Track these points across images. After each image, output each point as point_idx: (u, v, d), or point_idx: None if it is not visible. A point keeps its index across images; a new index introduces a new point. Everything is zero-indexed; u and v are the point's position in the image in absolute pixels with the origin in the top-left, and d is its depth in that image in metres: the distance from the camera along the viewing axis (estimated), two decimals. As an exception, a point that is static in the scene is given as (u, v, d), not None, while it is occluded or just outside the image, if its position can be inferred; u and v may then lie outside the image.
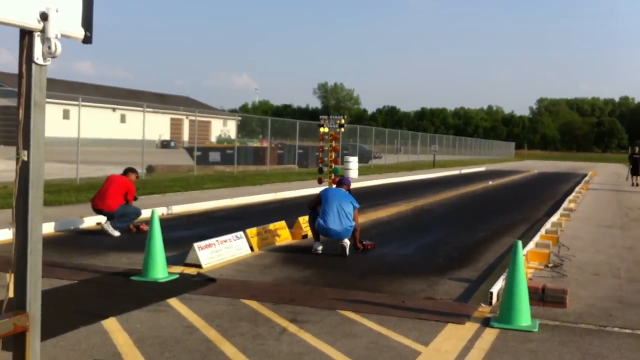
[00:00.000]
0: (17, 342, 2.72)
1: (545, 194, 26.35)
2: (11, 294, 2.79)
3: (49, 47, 2.85)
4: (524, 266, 6.94)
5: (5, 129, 21.10)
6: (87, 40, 3.10)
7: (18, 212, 2.76)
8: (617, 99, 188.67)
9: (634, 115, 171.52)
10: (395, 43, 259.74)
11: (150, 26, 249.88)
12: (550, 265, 9.69)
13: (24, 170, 2.78)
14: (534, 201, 22.76)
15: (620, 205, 20.81)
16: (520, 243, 6.75)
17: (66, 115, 50.57)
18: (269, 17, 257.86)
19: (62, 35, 2.92)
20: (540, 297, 7.33)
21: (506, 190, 28.81)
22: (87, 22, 3.07)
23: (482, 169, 52.99)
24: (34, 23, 2.79)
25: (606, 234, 13.70)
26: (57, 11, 2.85)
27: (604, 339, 6.24)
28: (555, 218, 15.24)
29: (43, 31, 2.84)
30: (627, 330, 6.54)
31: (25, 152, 2.78)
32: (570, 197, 22.31)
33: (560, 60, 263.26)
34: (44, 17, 2.80)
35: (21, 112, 2.83)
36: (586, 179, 36.84)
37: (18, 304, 2.69)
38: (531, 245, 10.70)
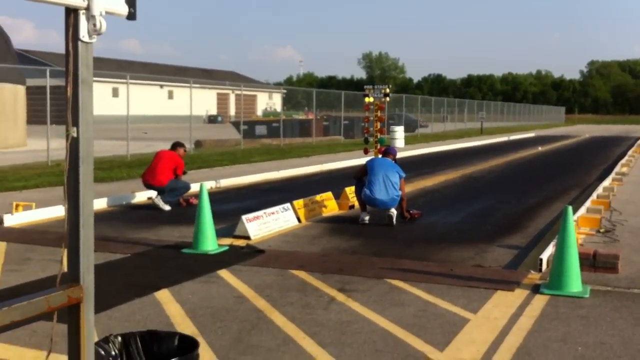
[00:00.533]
0: (71, 314, 2.80)
1: (597, 159, 25.82)
2: (65, 269, 2.88)
3: (94, 25, 2.89)
4: (575, 232, 6.85)
5: (56, 108, 21.52)
6: (131, 16, 3.14)
7: (69, 188, 2.83)
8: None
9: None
10: (439, 9, 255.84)
11: (193, 1, 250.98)
12: (602, 230, 9.53)
13: (73, 146, 2.84)
14: (585, 166, 22.34)
15: (675, 169, 20.27)
16: (570, 208, 6.66)
17: (115, 93, 51.42)
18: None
19: (107, 13, 2.97)
20: (591, 262, 7.23)
21: (556, 156, 28.31)
22: (131, -2, 3.10)
23: (531, 135, 52.08)
24: (78, 1, 2.83)
25: (660, 198, 13.38)
26: (100, -11, 2.89)
27: (658, 304, 6.14)
28: (607, 182, 14.95)
29: (88, 9, 2.87)
30: (682, 295, 6.41)
31: (75, 129, 2.84)
32: (623, 161, 21.82)
33: (611, 21, 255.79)
34: (87, -6, 2.84)
35: (69, 89, 2.89)
36: (639, 142, 35.92)
37: (72, 277, 2.77)
38: (582, 210, 10.54)
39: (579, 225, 9.52)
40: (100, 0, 2.87)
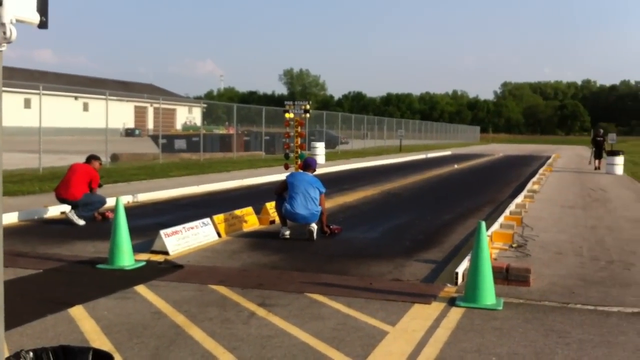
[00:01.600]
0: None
1: (509, 177, 26.70)
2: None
3: (4, 33, 2.81)
4: (488, 246, 7.06)
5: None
6: (42, 25, 3.07)
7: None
8: (579, 82, 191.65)
9: (596, 98, 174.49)
10: (359, 29, 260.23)
11: (111, 12, 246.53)
12: (514, 245, 9.84)
13: (-18, 156, 2.74)
14: (498, 184, 23.06)
15: (583, 187, 21.19)
16: (483, 224, 6.85)
17: (27, 104, 49.82)
18: (232, 2, 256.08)
19: (17, 20, 2.89)
20: (504, 276, 7.45)
21: (471, 174, 29.12)
22: (43, 6, 3.03)
23: (448, 152, 53.45)
24: (-12, 8, 2.75)
25: (569, 214, 13.95)
26: (12, -5, 2.81)
27: (567, 315, 6.38)
28: (519, 199, 15.47)
29: (-2, 16, 2.79)
30: (589, 307, 6.68)
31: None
32: (534, 179, 22.65)
33: (524, 45, 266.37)
34: (-2, 1, 2.76)
35: (-22, 97, 2.79)
36: (549, 161, 37.43)
37: (-20, 291, 2.66)
38: (496, 226, 10.85)
39: (492, 240, 9.81)
40: (10, 7, 2.79)
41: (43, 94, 23.19)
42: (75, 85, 65.04)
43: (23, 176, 19.10)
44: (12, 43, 2.90)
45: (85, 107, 67.68)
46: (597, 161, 31.17)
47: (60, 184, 12.15)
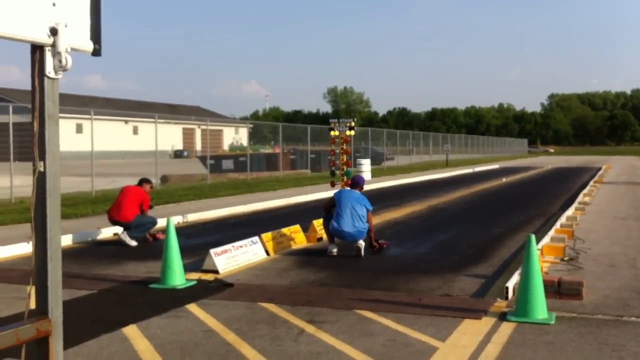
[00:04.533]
0: (40, 348, 2.79)
1: (559, 189, 26.26)
2: (32, 305, 2.86)
3: (60, 61, 2.93)
4: (539, 260, 6.97)
5: (19, 144, 21.34)
6: (96, 53, 3.19)
7: (37, 221, 2.84)
8: (628, 92, 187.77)
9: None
10: (402, 44, 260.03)
11: (156, 37, 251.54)
12: (565, 258, 9.69)
13: (41, 180, 2.86)
14: (548, 196, 22.70)
15: (635, 197, 20.72)
16: (533, 237, 6.78)
17: (79, 129, 51.02)
18: (275, 23, 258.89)
19: (72, 49, 3.01)
20: (556, 289, 7.34)
21: (520, 187, 28.73)
22: (96, 35, 3.15)
23: (495, 166, 52.82)
24: (44, 38, 2.87)
25: (622, 225, 13.66)
26: (66, 26, 2.94)
27: (621, 328, 6.25)
28: (570, 212, 15.21)
29: (53, 45, 2.92)
30: (644, 320, 6.54)
31: (42, 163, 2.86)
32: (585, 190, 22.23)
33: (570, 55, 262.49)
34: (53, 32, 2.89)
35: (36, 124, 2.91)
36: (600, 172, 36.66)
37: (40, 310, 2.77)
38: (546, 239, 10.70)
39: (543, 253, 9.68)
40: (65, 36, 2.91)
41: (94, 119, 23.78)
42: (125, 110, 66.41)
43: (76, 199, 19.56)
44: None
45: (135, 131, 68.96)
46: None
47: (112, 206, 12.43)
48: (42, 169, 2.85)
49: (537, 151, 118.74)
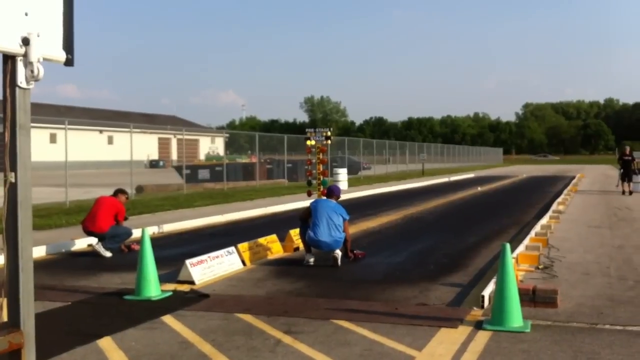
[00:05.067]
0: (12, 361, 2.75)
1: (534, 198, 26.49)
2: (5, 317, 2.82)
3: (32, 71, 2.91)
4: (514, 268, 7.02)
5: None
6: (69, 62, 3.17)
7: (8, 233, 2.80)
8: (602, 101, 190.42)
9: (619, 116, 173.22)
10: (379, 54, 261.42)
11: (132, 46, 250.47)
12: (540, 266, 9.77)
13: (11, 191, 2.83)
14: (523, 205, 22.89)
15: (608, 206, 20.97)
16: (508, 245, 6.82)
17: (53, 139, 50.59)
18: (252, 33, 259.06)
19: (44, 59, 2.99)
20: (531, 298, 7.39)
21: (495, 196, 28.95)
22: (69, 45, 3.13)
23: (470, 175, 53.20)
24: (16, 48, 2.85)
25: (595, 234, 13.81)
26: (38, 36, 2.91)
27: (596, 336, 6.31)
28: (544, 221, 15.35)
29: (25, 55, 2.89)
30: (618, 327, 6.61)
31: (13, 174, 2.83)
32: (559, 199, 22.46)
33: (545, 65, 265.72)
34: (25, 42, 2.86)
35: (7, 135, 2.88)
36: (574, 181, 37.06)
37: (12, 322, 2.73)
38: (521, 248, 10.78)
39: (518, 262, 9.75)
40: (37, 47, 2.89)
41: (68, 129, 23.54)
42: (100, 119, 65.95)
43: (50, 210, 19.34)
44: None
45: (110, 140, 68.50)
46: (625, 185, 26.41)
47: (87, 217, 12.31)
48: (13, 180, 2.81)
49: (543, 159, 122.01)
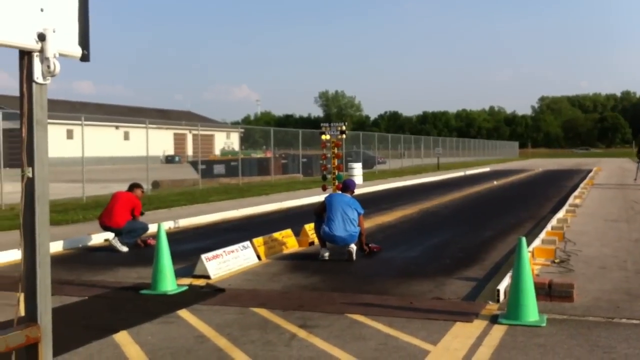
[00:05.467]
0: (29, 355, 2.78)
1: (550, 192, 26.34)
2: (22, 312, 2.85)
3: (48, 67, 2.93)
4: (529, 262, 6.99)
5: (9, 151, 21.28)
6: (84, 58, 3.18)
7: (25, 227, 2.83)
8: (618, 94, 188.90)
9: (636, 109, 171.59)
10: (393, 47, 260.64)
11: (145, 42, 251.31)
12: (556, 260, 9.72)
13: (29, 186, 2.85)
14: (539, 199, 22.77)
15: (625, 199, 20.81)
16: (524, 239, 6.79)
17: (70, 135, 50.93)
18: (265, 28, 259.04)
19: (60, 55, 3.00)
20: (547, 292, 7.36)
21: (511, 190, 28.81)
22: (84, 40, 3.15)
23: (486, 169, 52.97)
24: (32, 44, 2.87)
25: (612, 227, 13.72)
26: (54, 31, 2.93)
27: (612, 330, 6.27)
28: (561, 214, 15.26)
29: (41, 51, 2.91)
30: (635, 321, 6.57)
31: (30, 169, 2.85)
32: (576, 193, 22.32)
33: (560, 58, 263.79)
34: (41, 37, 2.88)
35: (24, 130, 2.91)
36: (591, 174, 36.81)
37: (29, 317, 2.76)
38: (537, 242, 10.73)
39: (534, 256, 9.70)
40: (53, 42, 2.90)
41: (85, 125, 23.70)
42: (116, 115, 66.21)
43: (67, 205, 19.50)
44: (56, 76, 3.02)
45: (126, 136, 68.78)
46: None
47: (103, 212, 12.39)
48: (30, 175, 2.84)
49: (585, 152, 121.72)
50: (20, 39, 2.78)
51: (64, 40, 3.00)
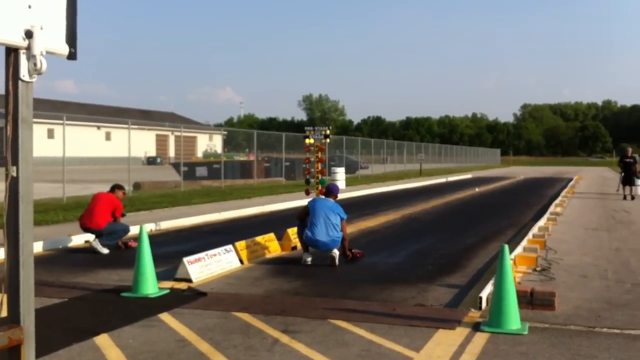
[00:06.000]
0: (11, 356, 2.73)
1: (531, 200, 26.50)
2: (4, 313, 2.80)
3: (35, 64, 2.89)
4: (512, 270, 7.01)
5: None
6: (71, 56, 3.15)
7: (9, 228, 2.78)
8: (600, 103, 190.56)
9: (617, 118, 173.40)
10: (377, 53, 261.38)
11: (130, 42, 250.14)
12: (538, 268, 9.76)
13: (13, 185, 2.81)
14: (520, 206, 22.90)
15: (606, 209, 20.98)
16: (506, 247, 6.81)
17: (51, 134, 50.41)
18: (250, 30, 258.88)
19: (47, 52, 2.97)
20: (528, 300, 7.39)
21: (493, 197, 28.96)
22: (72, 38, 3.11)
23: (468, 176, 53.23)
24: (19, 41, 2.83)
25: (593, 236, 13.82)
26: (41, 28, 2.89)
27: (593, 339, 6.30)
28: (542, 222, 15.35)
29: (28, 48, 2.87)
30: (616, 330, 6.60)
31: (14, 168, 2.81)
32: (557, 201, 22.47)
33: (543, 66, 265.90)
34: (28, 34, 2.84)
35: (9, 128, 2.86)
36: (572, 183, 37.09)
37: (12, 318, 2.71)
38: (519, 249, 10.77)
39: (516, 264, 9.74)
40: (40, 40, 2.87)
41: (66, 124, 23.49)
42: (98, 115, 65.76)
43: (47, 206, 19.31)
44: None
45: (108, 137, 68.30)
46: (627, 188, 25.12)
47: (84, 213, 12.28)
48: (14, 174, 2.79)
49: (600, 161, 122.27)
50: (7, 35, 2.74)
51: (51, 38, 2.96)
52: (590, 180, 42.77)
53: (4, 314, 2.81)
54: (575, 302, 7.75)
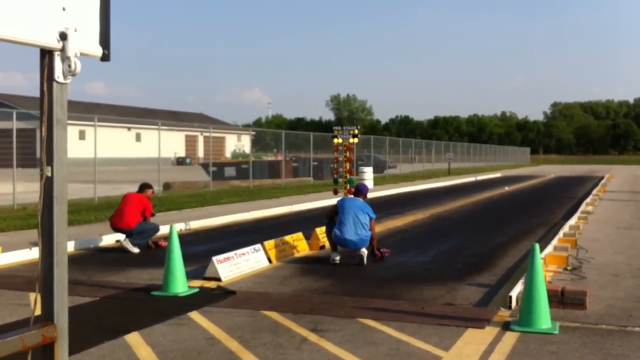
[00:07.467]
0: (45, 354, 2.78)
1: (562, 198, 26.21)
2: (37, 312, 2.86)
3: (69, 66, 2.94)
4: (542, 269, 6.95)
5: (22, 151, 21.40)
6: (105, 58, 3.19)
7: (43, 227, 2.84)
8: (631, 101, 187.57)
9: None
10: (405, 52, 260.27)
11: (159, 44, 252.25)
12: (569, 267, 9.67)
13: (48, 185, 2.86)
14: (551, 205, 22.66)
15: (638, 207, 20.68)
16: (537, 246, 6.76)
17: (82, 135, 51.07)
18: (278, 31, 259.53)
19: (81, 54, 3.01)
20: (559, 299, 7.32)
21: (523, 196, 28.70)
22: (105, 40, 3.16)
23: (497, 175, 52.78)
24: (53, 43, 2.88)
25: (625, 235, 13.64)
26: (75, 30, 2.94)
27: (625, 339, 6.23)
28: (573, 221, 15.19)
29: (63, 50, 2.92)
30: (649, 330, 6.52)
31: (49, 168, 2.86)
32: (588, 200, 22.20)
33: (573, 64, 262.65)
34: (63, 36, 2.89)
35: (44, 129, 2.92)
36: (603, 181, 36.60)
37: (45, 316, 2.76)
38: (549, 248, 10.68)
39: (546, 263, 9.65)
40: (74, 41, 2.91)
41: (97, 126, 23.80)
42: (128, 116, 66.44)
43: (79, 206, 19.57)
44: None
45: (138, 138, 69.02)
46: None
47: (114, 213, 12.42)
48: (49, 174, 2.85)
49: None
50: (42, 37, 2.79)
51: (85, 40, 3.01)
52: (622, 179, 42.16)
53: (38, 312, 2.87)
54: (607, 302, 7.66)
